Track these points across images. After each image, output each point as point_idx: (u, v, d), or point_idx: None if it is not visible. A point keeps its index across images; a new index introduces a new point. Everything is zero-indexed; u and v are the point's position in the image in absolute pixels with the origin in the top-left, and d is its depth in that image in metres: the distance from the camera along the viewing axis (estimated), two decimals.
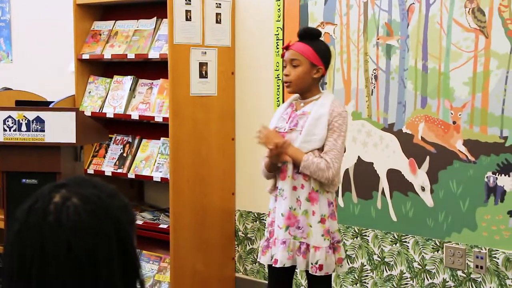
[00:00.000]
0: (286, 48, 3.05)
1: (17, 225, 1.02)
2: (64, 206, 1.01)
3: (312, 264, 2.94)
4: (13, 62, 5.87)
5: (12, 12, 5.81)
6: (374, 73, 3.76)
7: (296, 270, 3.13)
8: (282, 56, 3.09)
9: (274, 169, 3.04)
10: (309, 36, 3.05)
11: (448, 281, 3.54)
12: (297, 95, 3.10)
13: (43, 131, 3.44)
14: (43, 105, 4.33)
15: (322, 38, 3.13)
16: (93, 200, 1.03)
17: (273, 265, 3.02)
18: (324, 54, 3.04)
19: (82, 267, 0.99)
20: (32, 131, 3.45)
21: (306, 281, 3.17)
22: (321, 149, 2.95)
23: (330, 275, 3.03)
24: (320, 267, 2.93)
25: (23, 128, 3.46)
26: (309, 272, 2.96)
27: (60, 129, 3.44)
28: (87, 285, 0.99)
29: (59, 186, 1.04)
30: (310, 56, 2.99)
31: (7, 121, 3.46)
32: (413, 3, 3.60)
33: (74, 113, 3.45)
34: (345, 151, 3.25)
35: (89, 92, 4.62)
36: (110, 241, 1.01)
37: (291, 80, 3.00)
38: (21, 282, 0.99)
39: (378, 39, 3.74)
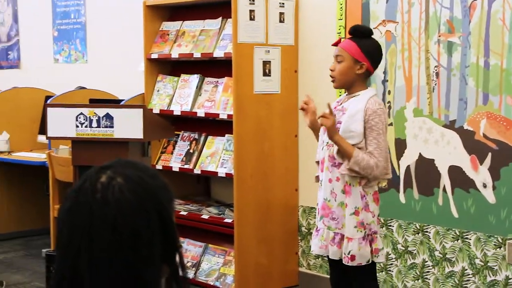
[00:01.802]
0: (336, 44, 3.15)
1: (68, 203, 1.14)
2: (109, 185, 1.12)
3: (345, 254, 3.03)
4: (88, 62, 6.12)
5: (87, 14, 6.05)
6: (436, 70, 3.77)
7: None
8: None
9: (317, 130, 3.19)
10: (359, 33, 3.12)
11: (511, 278, 3.52)
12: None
13: (112, 127, 3.61)
14: (114, 103, 4.52)
15: (374, 36, 3.17)
16: (136, 180, 1.14)
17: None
18: (369, 51, 3.09)
19: (126, 240, 1.10)
20: (102, 127, 3.62)
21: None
22: (361, 146, 3.00)
23: (373, 266, 3.09)
24: (352, 258, 3.01)
25: (94, 124, 3.63)
26: (343, 262, 3.04)
27: (128, 126, 3.60)
28: (130, 257, 1.10)
29: (105, 168, 1.15)
30: (353, 52, 3.06)
31: (79, 117, 3.64)
32: (475, 0, 3.59)
33: (141, 110, 3.61)
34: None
35: (158, 91, 4.78)
36: (151, 216, 1.12)
37: (334, 76, 3.11)
38: (71, 256, 1.11)
39: (439, 36, 3.75)
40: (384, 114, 3.04)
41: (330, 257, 3.11)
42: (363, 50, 3.07)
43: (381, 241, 3.12)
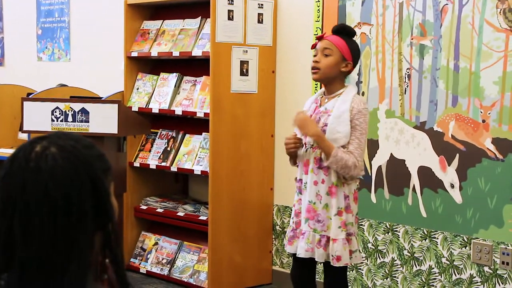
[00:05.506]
0: (320, 38, 3.12)
1: (3, 172, 1.19)
2: (43, 154, 1.17)
3: (332, 256, 3.03)
4: (71, 61, 6.15)
5: (71, 13, 6.09)
6: (408, 72, 3.84)
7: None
8: (313, 46, 3.15)
9: (293, 157, 3.17)
10: (345, 32, 3.12)
11: (475, 277, 3.59)
12: (323, 89, 3.18)
13: (88, 121, 3.65)
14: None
15: (355, 39, 3.19)
16: (69, 149, 1.19)
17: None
18: (355, 52, 3.12)
19: (58, 205, 1.15)
20: (78, 121, 3.67)
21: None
22: (345, 145, 3.02)
23: (346, 268, 3.12)
24: (338, 258, 3.02)
25: (69, 118, 3.68)
26: (330, 263, 3.04)
27: (103, 121, 3.65)
28: (61, 222, 1.15)
29: (40, 138, 1.21)
30: (343, 49, 3.06)
31: (55, 111, 3.69)
32: (447, 4, 3.67)
33: (116, 105, 3.66)
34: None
35: (137, 89, 4.83)
36: (83, 183, 1.17)
37: (320, 67, 3.06)
38: (5, 221, 1.16)
39: (412, 39, 3.82)
40: (367, 114, 3.04)
41: (316, 259, 3.08)
42: (351, 49, 3.08)
43: (356, 243, 3.09)
